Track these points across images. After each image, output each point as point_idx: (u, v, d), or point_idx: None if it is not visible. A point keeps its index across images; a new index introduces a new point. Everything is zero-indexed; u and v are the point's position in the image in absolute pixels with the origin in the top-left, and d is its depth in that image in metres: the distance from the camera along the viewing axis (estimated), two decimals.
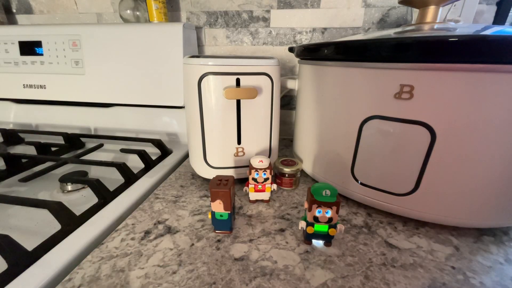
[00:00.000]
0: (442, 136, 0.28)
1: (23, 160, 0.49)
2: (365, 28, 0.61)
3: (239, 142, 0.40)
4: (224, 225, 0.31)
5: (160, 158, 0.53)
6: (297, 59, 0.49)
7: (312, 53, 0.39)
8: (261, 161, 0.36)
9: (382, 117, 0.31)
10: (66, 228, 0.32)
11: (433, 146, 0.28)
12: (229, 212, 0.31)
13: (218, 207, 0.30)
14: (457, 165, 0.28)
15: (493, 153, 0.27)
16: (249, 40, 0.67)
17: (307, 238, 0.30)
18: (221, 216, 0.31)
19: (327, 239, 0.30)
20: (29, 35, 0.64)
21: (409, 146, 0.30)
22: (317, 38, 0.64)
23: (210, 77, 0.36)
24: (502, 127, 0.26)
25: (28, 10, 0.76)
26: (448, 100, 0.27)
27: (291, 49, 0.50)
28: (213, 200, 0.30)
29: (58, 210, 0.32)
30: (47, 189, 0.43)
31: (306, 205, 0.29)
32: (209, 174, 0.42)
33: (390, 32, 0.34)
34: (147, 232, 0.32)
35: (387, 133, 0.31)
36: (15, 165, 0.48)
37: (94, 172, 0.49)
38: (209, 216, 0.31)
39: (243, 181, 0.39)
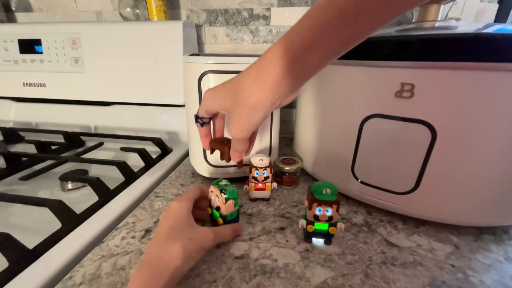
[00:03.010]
0: (442, 135, 0.28)
1: (23, 159, 0.49)
2: None
3: None
4: (233, 221, 0.32)
5: (160, 157, 0.53)
6: None
7: None
8: (262, 159, 0.36)
9: (382, 116, 0.31)
10: (67, 226, 0.32)
11: (434, 144, 0.28)
12: (237, 208, 0.31)
13: (230, 207, 0.30)
14: (458, 163, 0.28)
15: (494, 151, 0.27)
16: (250, 39, 0.67)
17: (307, 236, 0.30)
18: (231, 216, 0.31)
19: (327, 237, 0.30)
20: (29, 33, 0.64)
21: (410, 145, 0.30)
22: None
23: (211, 75, 0.36)
24: (503, 126, 0.26)
25: (28, 8, 0.75)
26: (449, 99, 0.26)
27: None
28: (228, 161, 0.30)
29: (58, 208, 0.32)
30: (47, 187, 0.43)
31: (306, 204, 0.29)
32: (209, 172, 0.42)
33: (391, 30, 0.34)
34: (148, 231, 0.32)
35: (387, 132, 0.31)
36: (16, 163, 0.48)
37: (95, 170, 0.49)
38: (220, 222, 0.31)
39: (243, 180, 0.39)
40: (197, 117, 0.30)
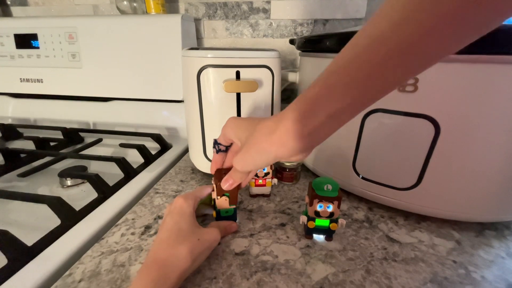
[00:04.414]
0: (446, 130, 0.27)
1: (22, 155, 0.49)
2: (368, 19, 0.59)
3: None
4: (229, 218, 0.31)
5: (160, 153, 0.53)
6: (298, 52, 0.48)
7: (313, 45, 0.38)
8: None
9: (385, 110, 0.30)
10: (66, 223, 0.32)
11: (437, 139, 0.28)
12: (235, 206, 0.31)
13: (223, 203, 0.30)
14: (461, 159, 0.28)
15: (497, 147, 0.27)
16: (249, 32, 0.66)
17: (308, 232, 0.30)
18: (226, 212, 0.31)
19: (328, 233, 0.30)
20: (25, 27, 0.63)
21: (413, 140, 0.29)
22: (319, 30, 0.62)
23: (210, 69, 0.35)
24: (507, 121, 0.25)
25: (23, 2, 0.74)
26: (453, 93, 0.26)
27: (292, 41, 0.49)
28: (219, 194, 0.29)
29: (57, 205, 0.32)
30: (46, 184, 0.43)
31: (307, 200, 0.29)
32: (209, 168, 0.42)
33: None
34: (148, 227, 0.32)
35: (390, 127, 0.31)
36: (14, 160, 0.48)
37: (94, 167, 0.48)
38: (214, 215, 0.31)
39: None
40: (215, 142, 0.31)
